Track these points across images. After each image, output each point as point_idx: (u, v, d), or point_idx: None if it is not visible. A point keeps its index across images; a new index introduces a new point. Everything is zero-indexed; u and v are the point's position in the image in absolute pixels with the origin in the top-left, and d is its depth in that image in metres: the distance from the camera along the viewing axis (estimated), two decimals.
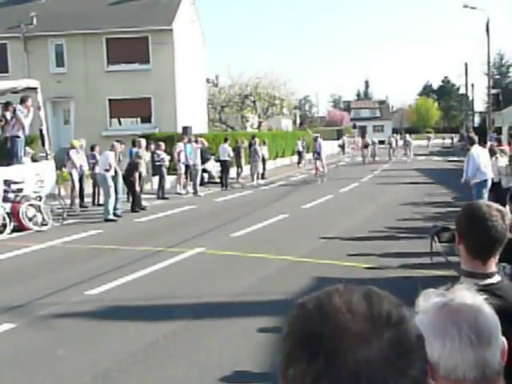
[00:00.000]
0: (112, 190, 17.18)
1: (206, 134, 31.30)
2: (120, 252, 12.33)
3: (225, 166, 26.03)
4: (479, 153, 13.43)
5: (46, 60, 33.62)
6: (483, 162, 13.28)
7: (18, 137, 16.99)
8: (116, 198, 17.72)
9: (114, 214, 17.37)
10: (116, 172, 17.81)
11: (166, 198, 22.23)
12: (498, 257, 2.55)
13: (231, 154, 26.44)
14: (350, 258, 10.98)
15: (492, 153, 14.52)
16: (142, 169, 19.30)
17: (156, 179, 24.27)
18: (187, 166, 23.84)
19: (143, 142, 20.39)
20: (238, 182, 27.65)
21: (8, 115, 16.99)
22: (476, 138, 14.00)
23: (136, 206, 18.83)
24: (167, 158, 22.87)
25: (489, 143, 17.17)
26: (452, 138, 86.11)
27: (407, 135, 52.31)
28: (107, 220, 16.78)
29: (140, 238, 13.91)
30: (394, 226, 14.67)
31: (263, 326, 7.36)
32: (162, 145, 23.14)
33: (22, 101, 17.18)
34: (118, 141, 18.74)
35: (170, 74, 33.26)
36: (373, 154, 45.45)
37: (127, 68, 33.53)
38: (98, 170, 18.43)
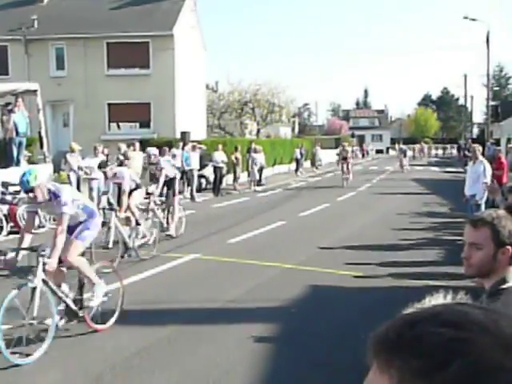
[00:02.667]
0: (93, 192, 17.01)
1: (205, 140, 31.34)
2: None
3: (216, 173, 25.87)
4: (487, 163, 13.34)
5: (47, 63, 33.65)
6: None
7: (12, 138, 17.11)
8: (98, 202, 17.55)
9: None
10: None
11: None
12: None
13: (225, 159, 26.18)
14: (345, 267, 11.00)
15: None
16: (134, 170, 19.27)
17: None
18: (184, 172, 23.88)
19: (137, 144, 20.41)
20: (235, 188, 27.68)
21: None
22: (480, 149, 13.88)
23: None
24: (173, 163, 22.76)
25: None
26: (420, 151, 71.34)
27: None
28: None
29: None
30: (390, 235, 14.69)
31: (257, 333, 7.38)
32: (166, 150, 23.04)
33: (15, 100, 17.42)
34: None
35: (169, 79, 33.31)
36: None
37: (127, 73, 33.58)
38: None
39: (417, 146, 73.05)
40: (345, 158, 31.67)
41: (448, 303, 0.90)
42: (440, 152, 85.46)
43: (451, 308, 0.87)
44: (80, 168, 18.09)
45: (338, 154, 33.30)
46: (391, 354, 0.82)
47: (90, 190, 16.98)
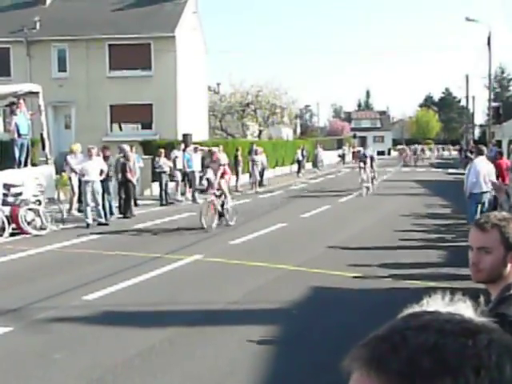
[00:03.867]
0: (85, 195, 16.93)
1: (206, 142, 31.32)
2: (118, 258, 12.34)
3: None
4: (481, 164, 13.28)
5: (48, 65, 33.68)
6: (483, 173, 13.07)
7: (13, 140, 17.18)
8: (96, 204, 17.16)
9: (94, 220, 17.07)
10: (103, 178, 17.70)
11: (171, 203, 22.49)
12: None
13: (226, 161, 26.09)
14: (347, 268, 10.99)
15: None
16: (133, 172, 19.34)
17: (155, 185, 24.34)
18: (185, 173, 23.92)
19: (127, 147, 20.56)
20: (237, 189, 27.68)
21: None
22: (484, 149, 13.89)
23: (129, 211, 18.74)
24: (167, 164, 22.93)
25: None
26: (400, 152, 63.10)
27: None
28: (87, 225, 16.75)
29: (138, 244, 13.92)
30: (391, 236, 14.67)
31: (259, 335, 7.37)
32: (162, 151, 23.20)
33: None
34: (104, 147, 18.96)
35: (171, 80, 33.33)
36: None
37: (129, 74, 33.60)
38: None
39: (407, 148, 63.88)
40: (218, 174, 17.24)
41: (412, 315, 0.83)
42: (429, 154, 77.03)
43: (437, 317, 0.80)
44: (73, 170, 18.14)
45: (203, 169, 19.23)
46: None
47: (85, 192, 16.94)
